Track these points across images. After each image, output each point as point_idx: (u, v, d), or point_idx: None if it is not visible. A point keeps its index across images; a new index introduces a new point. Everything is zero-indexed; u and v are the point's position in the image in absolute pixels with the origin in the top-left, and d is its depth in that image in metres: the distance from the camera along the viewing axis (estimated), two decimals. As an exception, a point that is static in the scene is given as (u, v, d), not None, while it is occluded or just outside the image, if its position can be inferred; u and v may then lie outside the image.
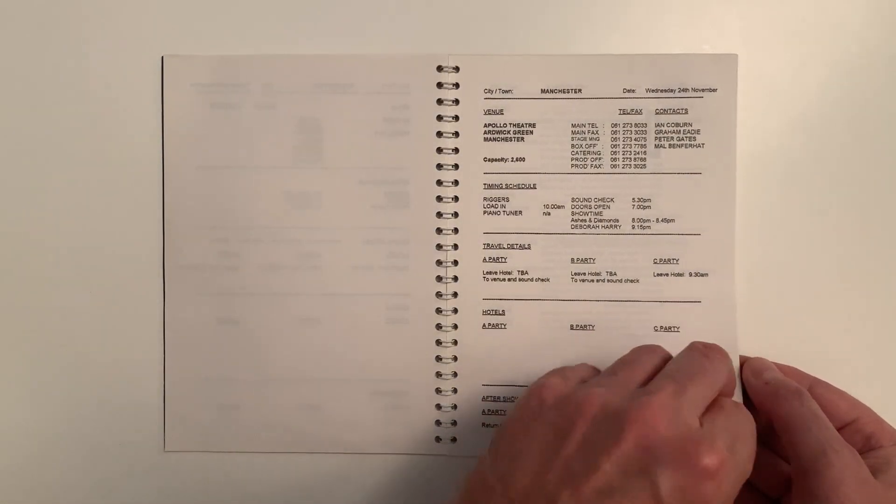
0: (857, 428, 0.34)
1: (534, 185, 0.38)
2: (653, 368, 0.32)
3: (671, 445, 0.28)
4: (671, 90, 0.37)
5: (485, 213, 0.38)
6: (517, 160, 0.38)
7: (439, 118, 0.38)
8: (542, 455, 0.29)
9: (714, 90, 0.37)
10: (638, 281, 0.37)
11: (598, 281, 0.38)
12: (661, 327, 0.37)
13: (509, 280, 0.38)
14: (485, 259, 0.38)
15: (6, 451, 0.39)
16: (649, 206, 0.37)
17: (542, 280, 0.38)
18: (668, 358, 0.33)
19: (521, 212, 0.38)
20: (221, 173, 0.38)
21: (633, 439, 0.28)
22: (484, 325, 0.38)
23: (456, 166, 0.38)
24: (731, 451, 0.29)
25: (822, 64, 0.38)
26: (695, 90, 0.37)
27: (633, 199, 0.37)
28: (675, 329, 0.37)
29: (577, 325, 0.37)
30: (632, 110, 0.37)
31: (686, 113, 0.37)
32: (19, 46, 0.38)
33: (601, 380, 0.32)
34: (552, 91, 0.38)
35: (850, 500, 0.29)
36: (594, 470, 0.28)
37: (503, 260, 0.38)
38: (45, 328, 0.39)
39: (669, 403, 0.29)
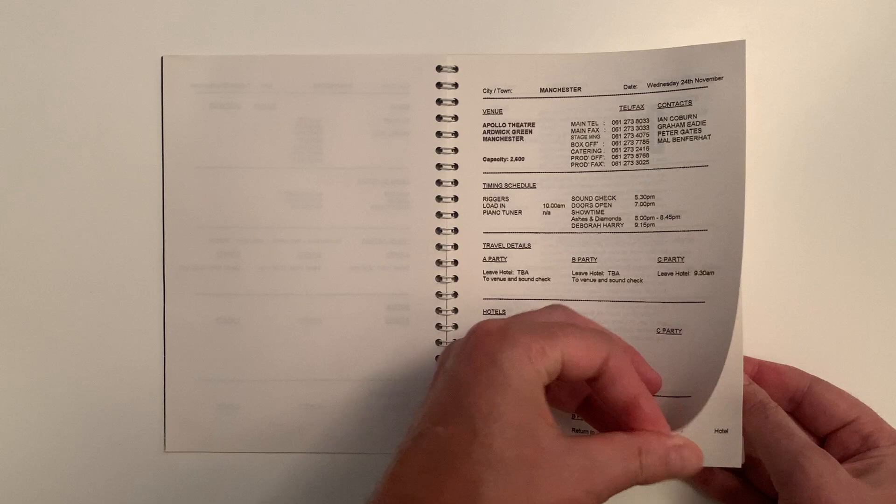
0: (855, 428, 0.34)
1: (533, 184, 0.38)
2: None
3: (462, 342, 0.30)
4: (674, 83, 0.37)
5: (484, 212, 0.38)
6: (516, 160, 0.38)
7: (439, 118, 0.38)
8: None
9: (720, 78, 0.36)
10: (641, 280, 0.37)
11: (599, 280, 0.37)
12: (664, 329, 0.36)
13: (509, 280, 0.38)
14: (485, 259, 0.38)
15: (7, 452, 0.39)
16: (653, 203, 0.37)
17: (543, 280, 0.38)
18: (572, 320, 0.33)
19: (520, 211, 0.38)
20: (221, 173, 0.38)
21: (441, 358, 0.31)
22: None
23: (455, 166, 0.38)
24: (512, 318, 0.30)
25: (829, 58, 0.38)
26: (699, 80, 0.36)
27: (636, 195, 0.37)
28: (678, 331, 0.36)
29: None
30: (633, 106, 0.37)
31: (690, 104, 0.36)
32: (19, 46, 0.39)
33: None
34: (551, 90, 0.38)
35: (834, 498, 0.30)
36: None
37: (503, 260, 0.38)
38: (46, 328, 0.39)
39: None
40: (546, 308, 0.33)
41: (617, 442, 0.29)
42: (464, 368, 0.28)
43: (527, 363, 0.28)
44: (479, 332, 0.29)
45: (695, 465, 0.30)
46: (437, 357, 0.31)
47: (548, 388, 0.29)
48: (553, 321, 0.31)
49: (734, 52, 0.36)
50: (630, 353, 0.33)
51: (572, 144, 0.37)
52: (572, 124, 0.37)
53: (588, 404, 0.34)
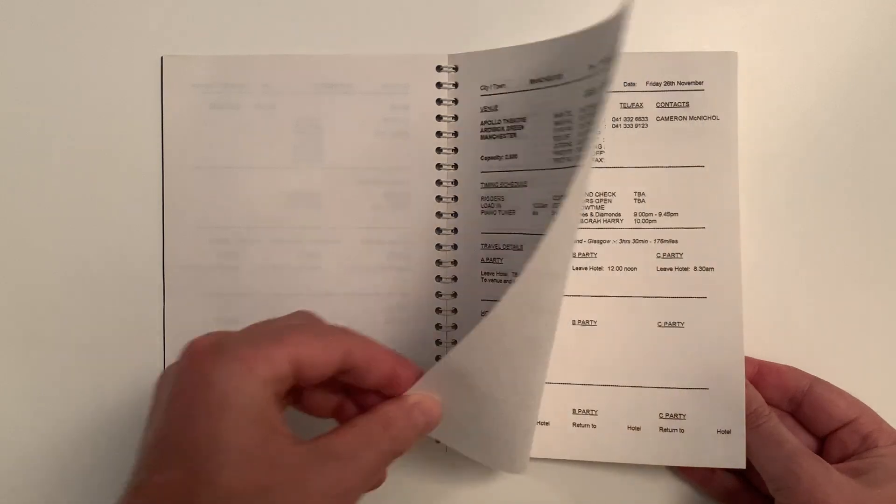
0: (855, 427, 0.34)
1: (524, 182, 0.36)
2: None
3: (175, 367, 0.26)
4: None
5: (482, 212, 0.38)
6: (510, 157, 0.37)
7: (439, 118, 0.38)
8: None
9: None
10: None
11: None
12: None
13: (505, 282, 0.37)
14: (483, 260, 0.38)
15: (6, 452, 0.39)
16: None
17: None
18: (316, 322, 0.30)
19: (514, 211, 0.37)
20: (221, 173, 0.38)
21: (157, 386, 0.27)
22: None
23: (455, 166, 0.38)
24: (228, 332, 0.27)
25: (828, 59, 0.37)
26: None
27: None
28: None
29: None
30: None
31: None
32: (19, 46, 0.39)
33: None
34: (540, 80, 0.36)
35: (829, 500, 0.30)
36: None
37: (499, 261, 0.37)
38: (46, 328, 0.39)
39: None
40: (286, 315, 0.30)
41: (360, 427, 0.27)
42: (176, 399, 0.25)
43: (248, 376, 0.25)
44: (189, 352, 0.26)
45: (437, 414, 0.29)
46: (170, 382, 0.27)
47: (297, 396, 0.29)
48: (284, 325, 0.28)
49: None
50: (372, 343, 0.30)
51: (555, 138, 0.36)
52: (555, 116, 0.36)
53: (341, 408, 0.31)
